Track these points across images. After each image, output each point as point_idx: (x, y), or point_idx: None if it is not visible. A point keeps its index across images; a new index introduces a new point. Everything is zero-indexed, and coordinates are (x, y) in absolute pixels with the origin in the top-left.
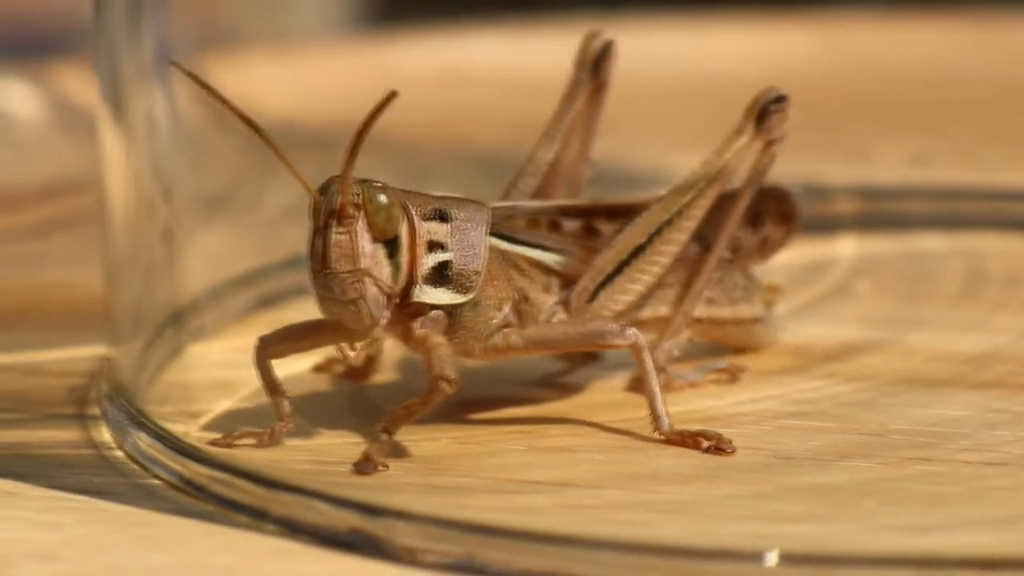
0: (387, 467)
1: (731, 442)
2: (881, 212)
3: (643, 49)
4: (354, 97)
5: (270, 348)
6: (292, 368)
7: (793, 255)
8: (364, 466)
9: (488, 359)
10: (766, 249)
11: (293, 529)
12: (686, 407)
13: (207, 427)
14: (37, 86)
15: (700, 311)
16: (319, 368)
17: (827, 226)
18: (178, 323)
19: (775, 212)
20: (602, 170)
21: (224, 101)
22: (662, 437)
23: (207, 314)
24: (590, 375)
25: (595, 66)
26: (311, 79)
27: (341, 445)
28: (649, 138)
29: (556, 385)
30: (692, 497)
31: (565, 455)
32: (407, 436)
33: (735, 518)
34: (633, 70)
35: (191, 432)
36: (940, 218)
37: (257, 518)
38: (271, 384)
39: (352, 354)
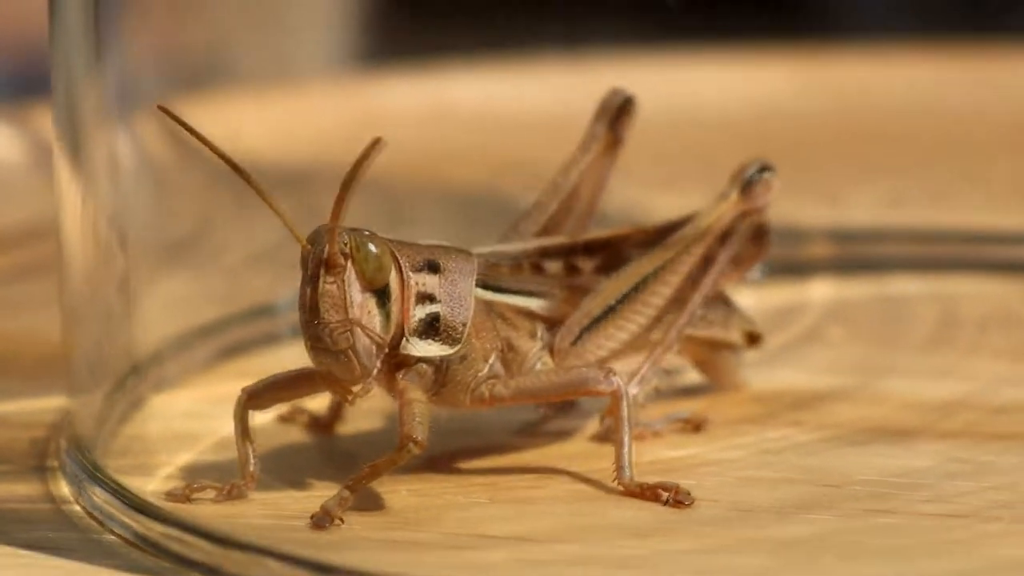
0: (343, 522)
1: (689, 494)
2: (856, 255)
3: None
4: (339, 136)
5: (254, 400)
6: (256, 419)
7: (765, 298)
8: (321, 520)
9: (474, 409)
10: (739, 267)
11: None
12: (650, 457)
13: (168, 480)
14: (15, 127)
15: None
16: (284, 419)
17: (801, 269)
18: (139, 374)
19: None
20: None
21: (213, 147)
22: (622, 489)
23: (170, 364)
24: (563, 423)
25: (613, 121)
26: (294, 118)
27: (301, 498)
28: (633, 176)
29: (529, 433)
30: (649, 551)
31: (526, 507)
32: (369, 487)
33: (691, 573)
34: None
35: (150, 486)
36: (915, 261)
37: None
38: (243, 438)
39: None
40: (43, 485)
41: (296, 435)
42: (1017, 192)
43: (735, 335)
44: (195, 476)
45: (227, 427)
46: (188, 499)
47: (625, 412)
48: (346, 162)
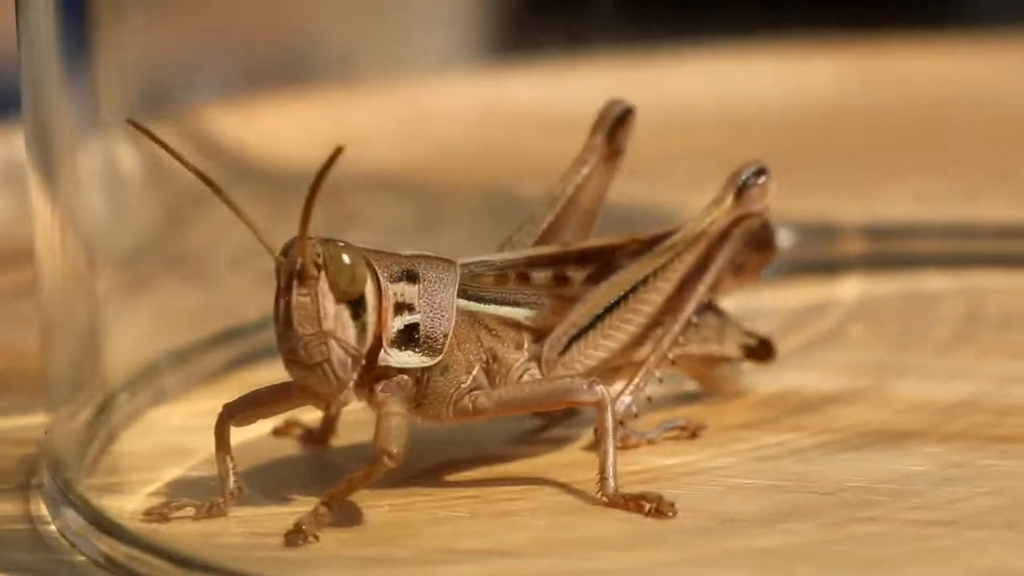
0: (317, 539)
1: (673, 505)
2: (888, 251)
3: (671, 81)
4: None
5: (235, 416)
6: (250, 432)
7: (793, 297)
8: (294, 538)
9: (458, 422)
10: (741, 276)
11: None
12: (641, 466)
13: (150, 498)
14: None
15: (676, 349)
16: (278, 432)
17: (833, 266)
18: (133, 388)
19: (750, 239)
20: (622, 207)
21: (181, 159)
22: (606, 500)
23: (167, 378)
24: (560, 431)
25: (611, 132)
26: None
27: (283, 515)
28: (671, 173)
29: (523, 442)
30: (627, 564)
31: (506, 520)
32: (353, 501)
33: None
34: (660, 103)
35: (131, 504)
36: (947, 257)
37: None
38: (223, 455)
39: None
40: (25, 504)
41: (288, 448)
42: None
43: (732, 349)
44: (182, 493)
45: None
46: (166, 518)
47: (609, 423)
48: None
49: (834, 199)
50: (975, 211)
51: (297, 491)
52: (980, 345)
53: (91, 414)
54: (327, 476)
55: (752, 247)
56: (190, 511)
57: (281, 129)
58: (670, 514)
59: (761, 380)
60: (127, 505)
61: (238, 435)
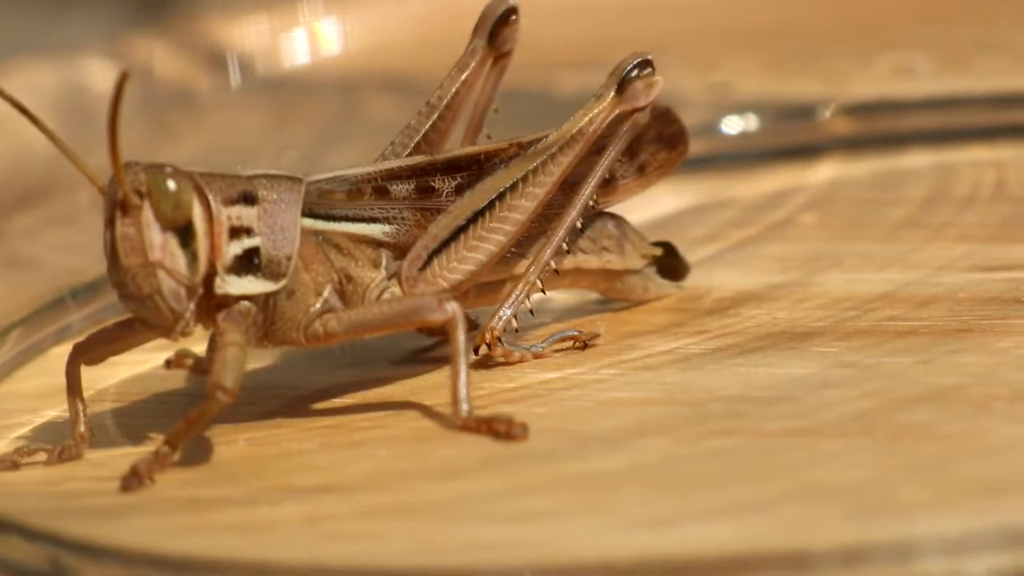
0: (154, 481)
1: (525, 427)
2: (869, 130)
3: None
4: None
5: (85, 354)
6: (145, 365)
7: (763, 184)
8: (130, 481)
9: (312, 347)
10: (645, 176)
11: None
12: (518, 383)
13: (15, 441)
14: None
15: (567, 262)
16: (170, 363)
17: (812, 149)
18: (31, 326)
19: (654, 134)
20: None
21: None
22: (460, 424)
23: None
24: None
25: (493, 34)
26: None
27: (136, 456)
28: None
29: (408, 361)
30: (447, 496)
31: (351, 452)
32: (208, 437)
33: (477, 519)
34: None
35: None
36: (928, 132)
37: None
38: (73, 397)
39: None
40: None
41: (177, 382)
42: None
43: (634, 261)
44: (53, 436)
45: (112, 378)
46: (16, 465)
47: (461, 342)
48: None
49: (812, 79)
50: (958, 84)
51: (165, 428)
52: (929, 230)
53: None
54: None
55: (659, 144)
56: (42, 456)
57: None
58: (522, 436)
59: (690, 279)
60: None
61: (129, 369)
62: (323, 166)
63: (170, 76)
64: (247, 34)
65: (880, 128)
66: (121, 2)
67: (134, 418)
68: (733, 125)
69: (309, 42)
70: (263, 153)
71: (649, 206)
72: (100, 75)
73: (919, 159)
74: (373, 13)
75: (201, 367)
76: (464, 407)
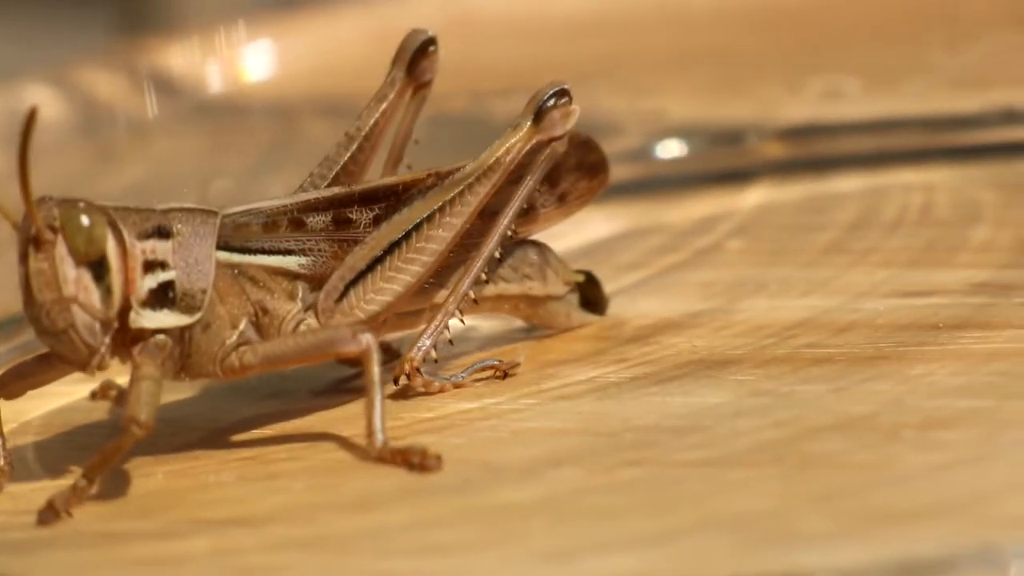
0: (71, 515)
1: (439, 458)
2: (800, 154)
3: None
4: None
5: (3, 389)
6: (70, 397)
7: (695, 210)
8: (47, 515)
9: (228, 379)
10: (566, 205)
11: None
12: (436, 412)
13: None
14: None
15: (488, 290)
16: (95, 395)
17: (744, 174)
18: None
19: (576, 163)
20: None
21: None
22: (375, 455)
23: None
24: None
25: (412, 64)
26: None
27: (57, 489)
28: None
29: (331, 391)
30: (357, 528)
31: (267, 484)
32: (128, 470)
33: (384, 552)
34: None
35: None
36: (859, 156)
37: None
38: None
39: None
40: None
41: (101, 413)
42: (966, 73)
43: (556, 288)
44: None
45: (37, 410)
46: None
47: (376, 374)
48: None
49: (744, 103)
50: (888, 106)
51: (86, 461)
52: (854, 255)
53: None
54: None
55: (579, 173)
56: None
57: None
58: (435, 468)
59: (612, 308)
60: None
61: (54, 401)
62: (260, 191)
63: (110, 102)
64: (187, 59)
65: (811, 152)
66: (64, 29)
67: (55, 451)
68: (666, 150)
69: (246, 66)
70: (202, 178)
71: (578, 232)
72: (41, 102)
73: (849, 183)
74: (309, 37)
75: (124, 398)
76: (379, 438)
